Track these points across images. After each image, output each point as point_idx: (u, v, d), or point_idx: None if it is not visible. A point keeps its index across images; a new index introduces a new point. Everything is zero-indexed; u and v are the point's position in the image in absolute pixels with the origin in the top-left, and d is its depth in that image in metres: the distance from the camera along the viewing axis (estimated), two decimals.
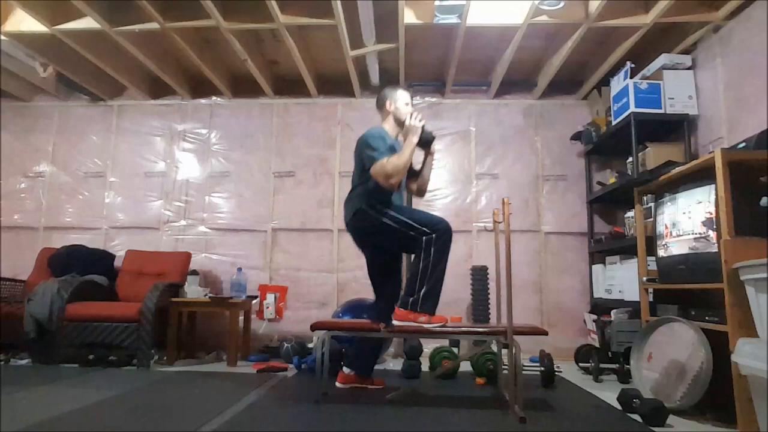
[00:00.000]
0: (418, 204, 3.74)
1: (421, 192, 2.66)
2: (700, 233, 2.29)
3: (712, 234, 2.20)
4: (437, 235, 2.25)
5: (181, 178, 4.28)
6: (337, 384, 2.59)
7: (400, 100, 2.50)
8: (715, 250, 2.16)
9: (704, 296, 2.38)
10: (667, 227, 2.55)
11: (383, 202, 2.35)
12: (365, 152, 2.33)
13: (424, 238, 2.26)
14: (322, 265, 4.07)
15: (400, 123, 2.49)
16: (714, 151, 2.18)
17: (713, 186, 2.19)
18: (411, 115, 2.43)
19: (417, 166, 2.62)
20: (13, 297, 3.69)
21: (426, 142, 2.49)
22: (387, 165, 2.23)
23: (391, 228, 2.30)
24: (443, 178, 4.14)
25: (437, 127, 4.15)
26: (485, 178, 4.13)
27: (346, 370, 2.63)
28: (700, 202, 2.31)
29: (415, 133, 2.36)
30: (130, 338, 3.14)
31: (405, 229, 2.29)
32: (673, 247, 2.48)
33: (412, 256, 2.35)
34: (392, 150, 2.34)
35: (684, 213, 2.42)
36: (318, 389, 2.32)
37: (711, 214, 2.22)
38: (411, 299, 2.27)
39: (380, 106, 2.55)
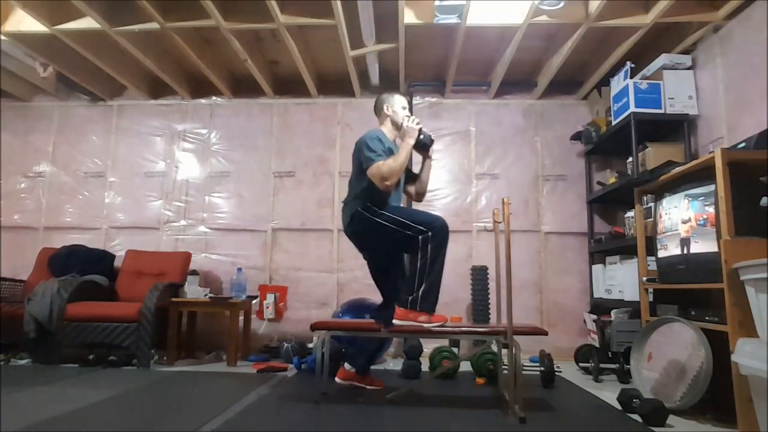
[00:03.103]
0: (417, 206, 3.74)
1: (420, 196, 2.68)
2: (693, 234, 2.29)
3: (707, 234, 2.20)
4: (433, 233, 2.26)
5: (181, 178, 4.28)
6: (337, 379, 2.59)
7: (398, 104, 2.52)
8: (711, 250, 2.16)
9: (704, 296, 2.38)
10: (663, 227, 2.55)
11: (379, 204, 2.36)
12: (363, 154, 2.34)
13: (420, 236, 2.27)
14: (322, 265, 4.07)
15: (397, 126, 2.50)
16: (714, 151, 2.19)
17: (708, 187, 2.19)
18: (408, 117, 2.45)
19: (416, 170, 2.63)
20: (13, 297, 3.69)
21: (424, 146, 2.50)
22: (383, 167, 2.25)
23: (387, 229, 2.31)
24: (443, 178, 4.14)
25: (437, 127, 4.16)
26: (485, 178, 4.13)
27: (347, 366, 2.64)
28: (704, 201, 2.31)
29: (412, 136, 2.39)
30: (130, 338, 3.14)
31: (401, 229, 2.30)
32: (672, 246, 2.48)
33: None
34: (390, 152, 2.35)
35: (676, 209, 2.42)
36: (318, 389, 2.32)
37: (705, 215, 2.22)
38: (410, 298, 2.27)
39: (378, 110, 2.57)
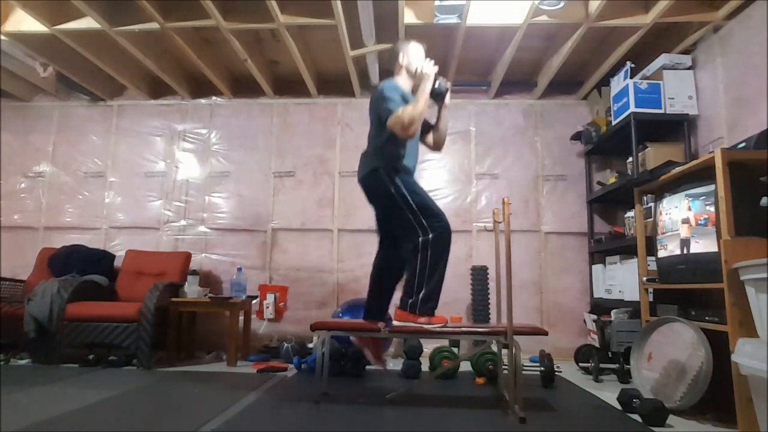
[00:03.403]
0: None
1: (438, 145, 2.61)
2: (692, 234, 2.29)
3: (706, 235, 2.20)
4: (434, 236, 2.23)
5: (181, 178, 4.28)
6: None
7: (413, 51, 2.44)
8: (711, 250, 2.16)
9: (704, 296, 2.38)
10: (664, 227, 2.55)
11: (398, 169, 2.30)
12: (381, 105, 2.27)
13: (421, 238, 2.24)
14: (322, 265, 4.07)
15: (412, 75, 2.43)
16: (714, 151, 2.19)
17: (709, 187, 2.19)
18: (423, 62, 2.37)
19: (432, 120, 2.57)
20: (13, 297, 3.69)
21: (439, 94, 2.43)
22: (403, 115, 2.18)
23: (396, 203, 2.27)
24: (443, 178, 4.14)
25: None
26: (485, 178, 4.13)
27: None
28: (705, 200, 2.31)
29: (428, 80, 2.31)
30: (130, 338, 3.14)
31: (407, 213, 2.25)
32: (672, 246, 2.48)
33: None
34: (406, 102, 2.29)
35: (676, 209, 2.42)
36: (318, 389, 2.32)
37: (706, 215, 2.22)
38: (410, 301, 2.26)
39: (392, 60, 2.49)
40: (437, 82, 2.38)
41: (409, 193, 2.28)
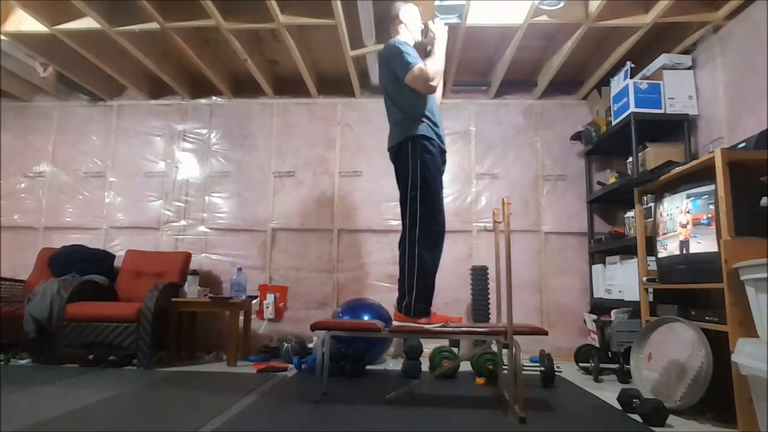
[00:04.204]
0: None
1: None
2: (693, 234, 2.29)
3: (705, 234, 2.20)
4: (419, 235, 2.21)
5: (181, 178, 4.28)
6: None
7: (413, 11, 2.50)
8: (711, 250, 2.16)
9: (704, 296, 2.38)
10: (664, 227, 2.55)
11: (427, 137, 2.28)
12: (398, 60, 2.23)
13: (411, 230, 2.23)
14: (322, 265, 4.07)
15: (412, 35, 2.45)
16: (714, 151, 2.19)
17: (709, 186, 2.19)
18: (434, 22, 2.40)
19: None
20: (13, 297, 3.69)
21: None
22: (427, 69, 2.16)
23: (410, 180, 2.25)
24: (443, 178, 4.12)
25: None
26: (485, 178, 4.13)
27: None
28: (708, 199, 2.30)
29: (443, 39, 2.33)
30: (130, 338, 3.14)
31: (414, 193, 2.24)
32: (672, 246, 2.48)
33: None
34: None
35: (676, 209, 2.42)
36: (318, 389, 2.32)
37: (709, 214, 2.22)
38: (404, 303, 2.28)
39: (392, 18, 2.50)
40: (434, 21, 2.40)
41: (423, 182, 2.25)
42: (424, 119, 2.33)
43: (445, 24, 2.37)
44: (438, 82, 2.21)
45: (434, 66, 2.19)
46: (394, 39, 2.35)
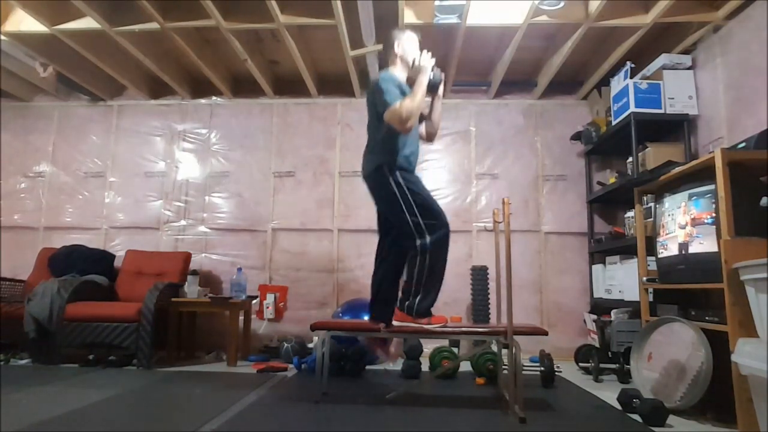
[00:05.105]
0: None
1: (431, 136, 2.61)
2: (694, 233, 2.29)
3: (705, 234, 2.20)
4: (432, 240, 2.21)
5: (181, 178, 4.28)
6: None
7: (408, 41, 2.44)
8: (711, 250, 2.16)
9: (704, 296, 2.38)
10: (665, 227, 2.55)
11: (400, 166, 2.30)
12: (378, 97, 2.25)
13: (418, 241, 2.22)
14: (322, 265, 4.07)
15: (408, 65, 2.43)
16: (714, 151, 2.19)
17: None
18: (420, 54, 2.38)
19: (425, 111, 2.57)
20: (13, 297, 3.69)
21: (433, 85, 2.43)
22: (401, 109, 2.16)
23: (397, 202, 2.26)
24: (443, 178, 4.14)
25: None
26: (485, 178, 4.13)
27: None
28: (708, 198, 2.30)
29: (426, 72, 2.30)
30: (130, 338, 3.14)
31: (407, 215, 2.24)
32: (672, 246, 2.48)
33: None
34: (404, 93, 2.28)
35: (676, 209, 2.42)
36: (318, 389, 2.32)
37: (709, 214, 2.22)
38: (407, 304, 2.27)
39: (387, 49, 2.48)
40: (432, 73, 2.37)
41: (411, 193, 2.27)
42: (398, 153, 2.34)
43: (432, 58, 2.36)
44: (413, 122, 2.21)
45: (409, 105, 2.18)
46: (383, 73, 2.37)
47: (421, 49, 2.45)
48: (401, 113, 2.15)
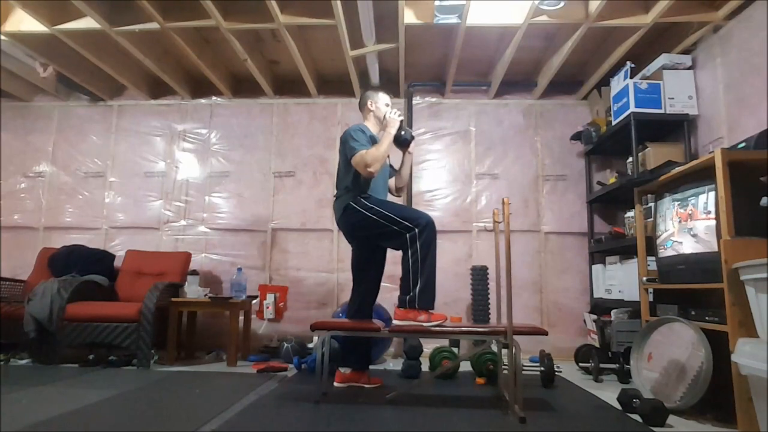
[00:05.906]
0: (416, 206, 3.72)
1: (399, 191, 2.86)
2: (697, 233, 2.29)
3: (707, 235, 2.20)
4: (419, 230, 2.35)
5: (181, 178, 4.28)
6: (335, 384, 2.63)
7: (381, 100, 2.71)
8: (711, 250, 2.16)
9: (704, 296, 2.38)
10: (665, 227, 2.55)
11: (366, 197, 2.49)
12: (347, 144, 2.48)
13: (407, 234, 2.36)
14: (322, 265, 4.07)
15: (380, 121, 2.66)
16: (714, 151, 2.19)
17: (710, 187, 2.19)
18: (390, 110, 2.63)
19: (397, 166, 2.81)
20: (13, 297, 3.69)
21: (404, 141, 2.64)
22: (366, 155, 2.39)
23: (376, 223, 2.42)
24: (443, 178, 4.14)
25: (437, 127, 4.17)
26: (485, 178, 4.13)
27: (342, 369, 2.66)
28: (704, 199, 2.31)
29: (393, 125, 2.53)
30: (130, 338, 3.14)
31: (388, 224, 2.40)
32: (674, 246, 2.48)
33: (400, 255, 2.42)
34: (372, 142, 2.50)
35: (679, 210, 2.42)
36: (318, 389, 2.32)
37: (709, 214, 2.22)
38: (408, 297, 2.34)
39: (362, 105, 2.75)
40: (402, 131, 2.59)
41: (383, 207, 2.46)
42: (363, 194, 2.53)
43: (399, 115, 2.57)
44: (376, 168, 2.40)
45: (374, 152, 2.40)
46: (355, 125, 2.58)
47: (393, 105, 2.75)
48: (366, 159, 2.38)
